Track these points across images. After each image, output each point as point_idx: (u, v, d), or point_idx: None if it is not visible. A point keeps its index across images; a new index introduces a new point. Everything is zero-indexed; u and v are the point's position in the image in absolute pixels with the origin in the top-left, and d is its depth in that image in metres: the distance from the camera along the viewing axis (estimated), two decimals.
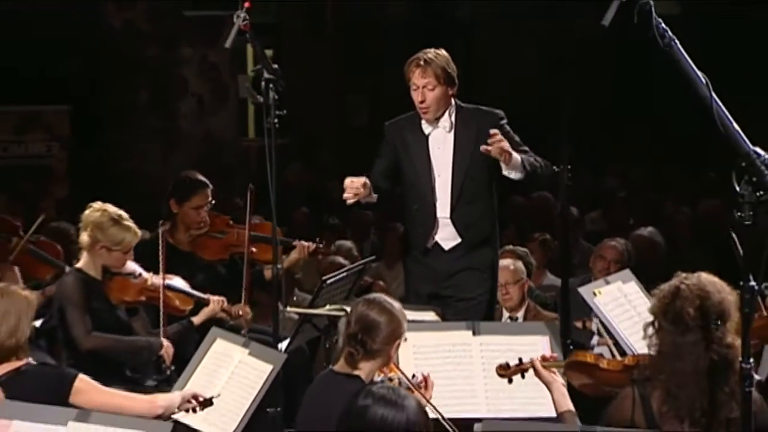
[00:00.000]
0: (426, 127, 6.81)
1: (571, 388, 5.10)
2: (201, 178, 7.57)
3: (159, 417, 5.18)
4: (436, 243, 6.79)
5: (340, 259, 8.78)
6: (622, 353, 5.66)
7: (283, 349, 6.35)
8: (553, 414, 4.96)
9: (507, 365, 5.14)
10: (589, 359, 4.87)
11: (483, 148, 6.48)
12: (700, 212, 10.61)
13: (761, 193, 3.95)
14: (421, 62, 6.68)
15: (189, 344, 6.69)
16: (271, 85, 6.21)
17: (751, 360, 4.02)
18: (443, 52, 6.77)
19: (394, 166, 6.87)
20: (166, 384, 6.46)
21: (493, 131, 6.51)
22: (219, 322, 6.93)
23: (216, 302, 7.10)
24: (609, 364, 4.83)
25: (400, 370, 5.26)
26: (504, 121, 6.74)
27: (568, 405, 4.91)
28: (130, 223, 6.74)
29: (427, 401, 5.02)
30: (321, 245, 7.71)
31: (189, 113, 13.84)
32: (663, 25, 4.16)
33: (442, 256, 6.77)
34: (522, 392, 5.37)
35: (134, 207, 6.95)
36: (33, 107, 13.61)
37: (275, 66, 6.25)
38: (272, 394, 5.83)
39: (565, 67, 9.91)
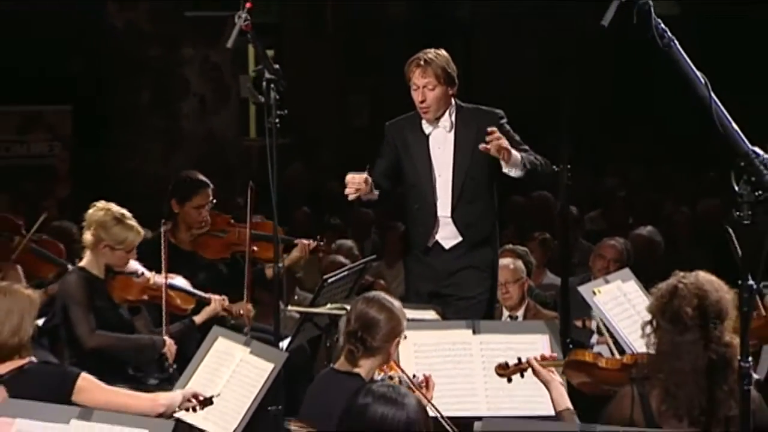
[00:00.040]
0: (426, 127, 6.83)
1: (570, 387, 5.13)
2: (201, 177, 7.58)
3: (161, 415, 5.18)
4: (437, 242, 6.80)
5: (341, 258, 8.79)
6: (622, 352, 5.67)
7: (285, 347, 6.37)
8: (553, 412, 4.99)
9: (506, 365, 5.15)
10: (587, 358, 4.88)
11: (482, 146, 6.49)
12: (700, 212, 10.63)
13: (760, 192, 3.95)
14: (422, 62, 6.70)
15: (191, 343, 6.69)
16: (272, 85, 6.20)
17: (750, 359, 4.02)
18: (443, 52, 6.78)
19: (394, 166, 6.88)
20: (167, 382, 6.47)
21: (490, 129, 6.52)
22: (221, 321, 6.95)
23: (217, 301, 7.11)
24: (608, 363, 4.83)
25: (400, 369, 5.28)
26: (504, 121, 6.76)
27: (566, 404, 4.92)
28: (133, 223, 6.76)
29: (428, 401, 5.03)
30: (322, 243, 7.74)
31: (191, 113, 13.83)
32: (662, 25, 4.17)
33: (442, 255, 6.79)
34: (522, 391, 5.38)
35: (136, 206, 6.96)
36: (35, 107, 13.60)
37: (276, 66, 6.24)
38: (273, 393, 5.80)
39: (565, 67, 9.93)
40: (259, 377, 5.58)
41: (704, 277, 4.58)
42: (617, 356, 5.26)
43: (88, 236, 6.73)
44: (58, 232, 8.41)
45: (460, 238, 6.78)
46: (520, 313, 7.64)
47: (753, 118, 4.89)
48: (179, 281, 7.04)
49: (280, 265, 6.40)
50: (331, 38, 16.42)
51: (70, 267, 7.23)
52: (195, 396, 5.36)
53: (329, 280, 6.60)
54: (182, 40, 13.72)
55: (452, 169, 6.76)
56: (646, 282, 5.72)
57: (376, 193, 6.70)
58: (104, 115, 13.53)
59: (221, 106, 13.97)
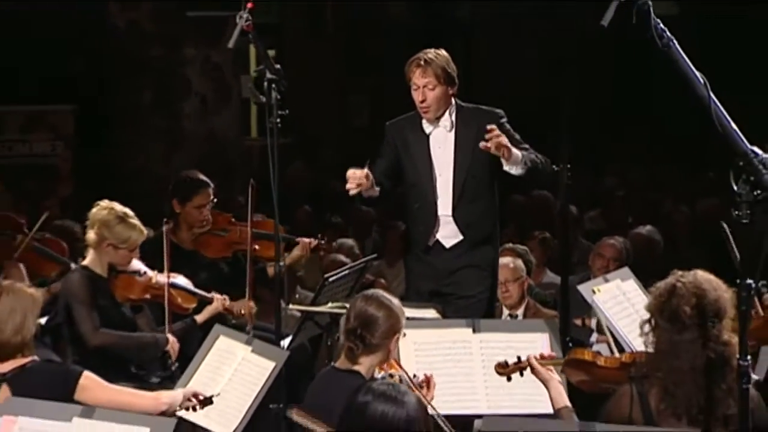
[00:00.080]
0: (427, 127, 6.85)
1: (569, 385, 5.14)
2: (202, 177, 7.59)
3: (163, 414, 5.20)
4: (438, 241, 6.82)
5: (342, 258, 8.80)
6: (621, 350, 5.68)
7: (286, 346, 6.39)
8: (552, 411, 5.01)
9: (505, 363, 5.16)
10: (586, 357, 4.89)
11: (482, 144, 6.51)
12: (698, 211, 10.64)
13: (759, 192, 3.96)
14: (422, 62, 6.71)
15: (192, 342, 6.69)
16: (273, 85, 6.22)
17: (749, 357, 4.03)
18: (443, 52, 6.80)
19: (395, 166, 6.90)
20: (169, 381, 6.48)
21: (490, 127, 6.54)
22: (222, 320, 6.96)
23: (219, 301, 7.13)
24: (606, 361, 4.84)
25: (401, 367, 5.30)
26: (504, 120, 6.77)
27: (565, 402, 4.93)
28: (136, 222, 6.77)
29: (428, 402, 5.04)
30: (323, 242, 7.76)
31: (192, 113, 13.83)
32: (661, 25, 4.17)
33: (443, 254, 6.80)
34: (521, 389, 5.39)
35: (138, 206, 6.96)
36: (38, 107, 13.61)
37: (277, 66, 6.26)
38: (275, 391, 5.82)
39: (565, 67, 9.92)
40: (260, 375, 5.60)
41: (702, 276, 4.59)
42: (617, 355, 5.27)
43: (91, 235, 6.75)
44: (60, 231, 8.41)
45: (460, 237, 6.80)
46: (520, 311, 7.65)
47: (752, 118, 4.90)
48: (181, 280, 7.07)
49: (282, 263, 6.42)
50: (332, 38, 16.42)
51: (72, 265, 7.24)
52: (195, 395, 5.37)
53: (330, 279, 6.61)
54: (184, 40, 13.72)
55: (453, 168, 6.77)
56: (646, 281, 5.73)
57: (377, 189, 6.71)
58: (106, 114, 13.53)
59: (223, 106, 13.97)
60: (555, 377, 5.03)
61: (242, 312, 7.26)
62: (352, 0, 15.72)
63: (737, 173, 4.00)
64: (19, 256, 7.50)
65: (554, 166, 6.42)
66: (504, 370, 5.17)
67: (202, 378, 5.73)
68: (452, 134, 6.82)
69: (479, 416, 5.54)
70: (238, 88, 13.99)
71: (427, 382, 5.30)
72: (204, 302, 7.14)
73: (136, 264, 6.89)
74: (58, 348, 6.92)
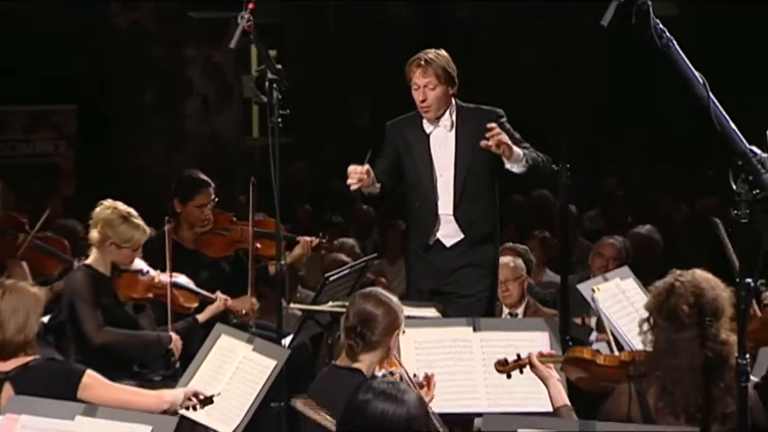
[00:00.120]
0: (427, 127, 6.87)
1: (568, 383, 5.16)
2: (203, 177, 7.60)
3: (165, 412, 5.21)
4: (438, 240, 6.83)
5: (343, 257, 8.81)
6: (621, 349, 5.68)
7: (287, 345, 6.37)
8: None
9: (505, 361, 5.17)
10: (586, 355, 4.90)
11: (483, 143, 6.52)
12: (698, 210, 10.64)
13: (757, 191, 3.98)
14: (422, 62, 6.73)
15: (194, 341, 6.71)
16: (274, 85, 6.24)
17: (747, 356, 4.05)
18: (443, 52, 6.82)
19: (395, 165, 6.91)
20: (171, 379, 6.48)
21: (490, 125, 6.55)
22: (224, 319, 6.98)
23: (220, 300, 7.15)
24: (605, 360, 4.86)
25: (401, 366, 5.32)
26: (504, 119, 6.77)
27: (564, 400, 4.95)
28: (140, 221, 6.78)
29: (428, 401, 5.06)
30: (324, 241, 7.78)
31: (194, 113, 13.82)
32: (661, 25, 4.18)
33: (443, 253, 6.81)
34: (521, 387, 5.41)
35: (140, 205, 6.96)
36: (40, 107, 13.63)
37: (279, 66, 6.28)
38: (276, 390, 5.84)
39: (565, 67, 9.95)
40: (261, 374, 5.61)
41: (701, 275, 4.61)
42: (616, 353, 5.30)
43: (94, 234, 6.76)
44: (63, 230, 8.41)
45: (461, 236, 6.81)
46: (520, 310, 7.66)
47: (751, 117, 4.91)
48: (183, 280, 7.09)
49: (283, 262, 6.44)
50: (333, 39, 16.44)
51: (75, 262, 7.25)
52: (196, 395, 5.39)
53: (331, 278, 6.61)
54: (185, 41, 13.71)
55: (454, 167, 6.79)
56: (645, 280, 5.74)
57: (378, 185, 6.72)
58: (108, 114, 13.54)
59: (224, 106, 13.96)
60: (554, 375, 5.04)
61: (243, 312, 7.28)
62: (353, 0, 15.73)
63: (736, 173, 4.02)
64: (22, 254, 7.50)
65: (554, 166, 6.45)
66: (504, 367, 5.19)
67: (203, 376, 5.75)
68: (452, 134, 6.84)
69: (479, 414, 5.57)
70: (240, 89, 13.99)
71: (428, 381, 5.31)
72: (205, 302, 7.16)
73: (139, 263, 6.90)
74: (61, 346, 6.94)
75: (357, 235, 10.40)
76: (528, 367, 5.12)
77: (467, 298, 6.75)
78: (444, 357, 5.75)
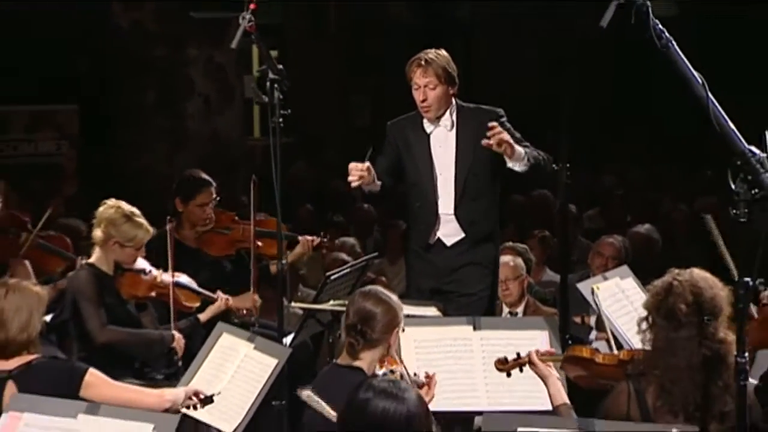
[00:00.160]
0: (428, 126, 6.88)
1: (568, 382, 5.18)
2: (204, 176, 7.61)
3: (167, 410, 5.22)
4: (439, 239, 6.84)
5: (344, 256, 8.83)
6: (620, 348, 5.69)
7: (288, 343, 6.39)
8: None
9: (505, 360, 5.19)
10: (585, 354, 4.91)
11: (484, 141, 6.53)
12: (697, 210, 10.65)
13: (756, 191, 4.00)
14: (422, 62, 6.75)
15: (196, 340, 6.72)
16: (275, 86, 6.26)
17: (746, 354, 4.06)
18: (444, 52, 6.83)
19: (396, 165, 6.92)
20: (174, 378, 6.50)
21: (491, 124, 6.56)
22: (225, 318, 7.00)
23: (222, 300, 7.17)
24: (604, 358, 4.87)
25: (402, 364, 5.34)
26: (504, 119, 6.78)
27: (563, 399, 4.96)
28: (143, 220, 6.80)
29: (428, 402, 5.07)
30: (325, 240, 7.79)
31: (196, 113, 13.83)
32: (660, 26, 4.19)
33: (444, 252, 6.83)
34: (521, 386, 5.42)
35: (141, 205, 6.97)
36: (43, 107, 13.65)
37: (280, 66, 6.30)
38: (277, 388, 5.86)
39: (565, 67, 9.95)
40: (263, 372, 5.62)
41: (699, 274, 4.62)
42: (615, 352, 5.31)
43: (98, 233, 6.78)
44: (65, 229, 8.43)
45: (462, 235, 6.83)
46: (519, 309, 7.68)
47: (751, 117, 4.93)
48: (185, 279, 7.11)
49: (284, 261, 6.46)
50: (334, 39, 16.45)
51: (78, 260, 7.27)
52: (196, 394, 5.41)
53: (332, 277, 6.62)
54: (187, 41, 13.73)
55: (454, 167, 6.80)
56: (644, 279, 5.75)
57: (378, 183, 6.73)
58: (110, 114, 13.56)
59: (226, 106, 13.98)
60: (554, 374, 5.05)
61: (244, 312, 7.30)
62: (353, 0, 15.75)
63: (735, 172, 4.04)
64: (25, 253, 7.50)
65: (554, 165, 6.46)
66: (504, 366, 5.21)
67: (205, 375, 5.76)
68: (453, 133, 6.86)
69: (479, 413, 5.58)
70: (241, 89, 14.00)
71: (429, 380, 5.33)
72: (207, 301, 7.18)
73: (141, 262, 6.92)
74: (63, 345, 6.96)
75: (358, 235, 10.42)
76: (528, 365, 5.13)
77: (468, 297, 6.76)
78: (444, 356, 5.77)
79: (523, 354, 5.15)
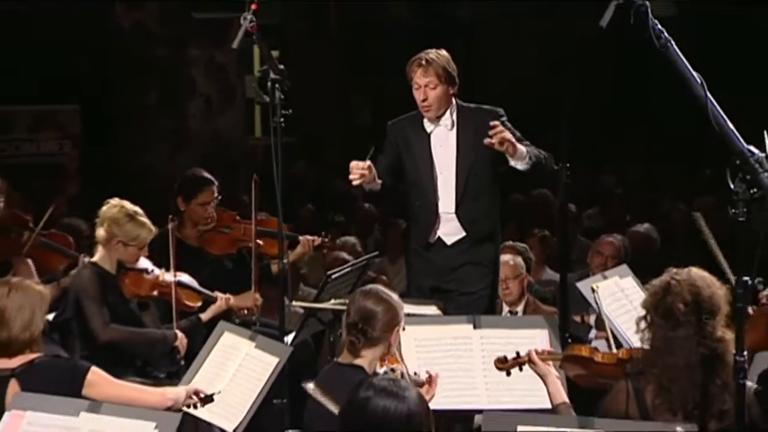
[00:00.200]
0: (428, 126, 6.90)
1: (567, 381, 5.19)
2: (206, 175, 7.62)
3: (169, 409, 5.24)
4: (439, 238, 6.86)
5: (345, 255, 8.85)
6: (619, 346, 5.70)
7: (289, 342, 6.41)
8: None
9: (505, 359, 5.21)
10: (584, 353, 4.92)
11: (486, 140, 6.55)
12: (695, 209, 10.66)
13: (755, 190, 4.02)
14: (423, 62, 6.77)
15: (197, 340, 6.72)
16: (277, 86, 6.28)
17: (745, 353, 4.08)
18: (444, 52, 6.85)
19: (396, 164, 6.94)
20: (176, 376, 6.51)
21: (493, 123, 6.58)
22: (227, 317, 7.01)
23: (223, 300, 7.19)
24: (603, 357, 4.87)
25: (402, 363, 5.36)
26: (504, 119, 6.78)
27: (563, 397, 4.98)
28: (146, 220, 6.81)
29: (428, 400, 5.08)
30: (326, 240, 7.80)
31: (197, 113, 13.86)
32: (659, 26, 4.21)
33: (444, 251, 6.85)
34: (521, 384, 5.42)
35: (143, 204, 6.97)
36: (45, 107, 13.67)
37: (281, 66, 6.33)
38: (278, 386, 5.88)
39: (565, 67, 9.97)
40: (264, 371, 5.64)
41: (697, 273, 4.63)
42: (614, 351, 5.33)
43: (101, 232, 6.80)
44: (67, 228, 8.42)
45: (462, 234, 6.84)
46: (519, 308, 7.69)
47: (750, 117, 4.94)
48: (187, 279, 7.13)
49: (285, 260, 6.47)
50: (334, 39, 16.47)
51: (80, 258, 7.28)
52: (197, 393, 5.42)
53: (333, 276, 6.63)
54: (189, 41, 13.76)
55: (455, 166, 6.82)
56: (643, 278, 5.77)
57: (379, 182, 6.75)
58: (112, 114, 13.58)
59: (227, 106, 14.00)
60: (553, 372, 5.06)
61: (245, 311, 7.31)
62: (354, 1, 15.76)
63: (734, 172, 4.05)
64: (27, 252, 7.49)
65: (554, 163, 6.48)
66: (503, 365, 5.22)
67: (206, 373, 5.77)
68: (453, 133, 6.88)
69: (479, 411, 5.60)
70: (243, 89, 14.02)
71: (430, 380, 5.35)
72: (208, 301, 7.20)
73: (144, 262, 6.94)
74: (66, 344, 6.97)
75: (358, 234, 10.44)
76: (527, 364, 5.14)
77: (468, 295, 6.78)
78: (444, 354, 5.78)
79: (522, 353, 5.16)
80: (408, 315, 5.43)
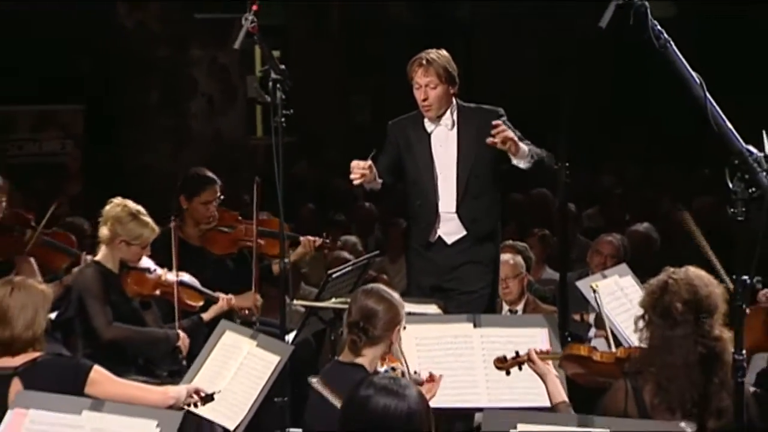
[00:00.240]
0: (428, 126, 6.92)
1: (567, 379, 5.22)
2: (210, 174, 7.63)
3: (170, 407, 5.26)
4: (440, 237, 6.89)
5: (345, 254, 8.87)
6: (619, 345, 5.72)
7: (290, 340, 6.43)
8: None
9: (504, 358, 5.23)
10: (582, 352, 4.94)
11: (489, 140, 6.57)
12: (694, 209, 10.67)
13: (753, 189, 4.02)
14: (424, 62, 6.79)
15: (198, 339, 6.74)
16: (278, 86, 6.30)
17: (744, 352, 4.09)
18: (444, 52, 6.88)
19: (396, 163, 6.96)
20: (177, 375, 6.50)
21: (496, 122, 6.60)
22: (228, 317, 7.02)
23: (224, 300, 7.21)
24: (602, 356, 4.89)
25: (403, 362, 5.38)
26: (504, 118, 6.80)
27: (562, 396, 5.00)
28: (149, 219, 6.84)
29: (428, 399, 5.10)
30: (327, 241, 7.81)
31: (199, 113, 13.88)
32: (658, 26, 4.21)
33: (445, 250, 6.87)
34: (522, 382, 5.44)
35: (145, 204, 7.00)
36: (48, 106, 13.69)
37: (282, 67, 6.36)
38: (280, 385, 5.91)
39: (565, 67, 9.98)
40: (265, 369, 5.65)
41: (694, 272, 4.64)
42: (613, 349, 5.34)
43: (104, 231, 6.82)
44: (70, 227, 8.42)
45: (463, 233, 6.86)
46: (519, 307, 7.70)
47: (750, 117, 4.96)
48: (189, 279, 7.15)
49: (286, 260, 6.49)
50: (335, 39, 16.47)
51: (83, 256, 7.29)
52: (197, 392, 5.44)
53: (334, 275, 6.63)
54: (191, 41, 13.78)
55: (456, 165, 6.84)
56: (643, 277, 5.77)
57: (380, 181, 6.77)
58: (114, 114, 13.60)
59: (229, 106, 14.02)
60: (553, 372, 5.08)
61: (246, 312, 7.33)
62: (354, 1, 15.77)
63: (733, 171, 4.06)
64: (30, 250, 7.49)
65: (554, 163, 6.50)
66: (503, 364, 5.24)
67: (208, 372, 5.79)
68: (454, 132, 6.90)
69: (480, 409, 5.62)
70: (244, 89, 14.02)
71: (431, 378, 5.37)
72: (210, 301, 7.22)
73: (146, 261, 6.96)
74: (68, 342, 6.98)
75: (359, 233, 10.46)
76: (526, 363, 5.16)
77: (468, 294, 6.80)
78: (445, 353, 5.80)
79: (522, 352, 5.18)
80: (408, 314, 5.44)
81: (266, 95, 6.34)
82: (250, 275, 7.29)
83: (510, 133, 6.57)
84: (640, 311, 4.69)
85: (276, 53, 6.99)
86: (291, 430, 6.26)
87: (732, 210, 4.05)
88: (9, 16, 12.56)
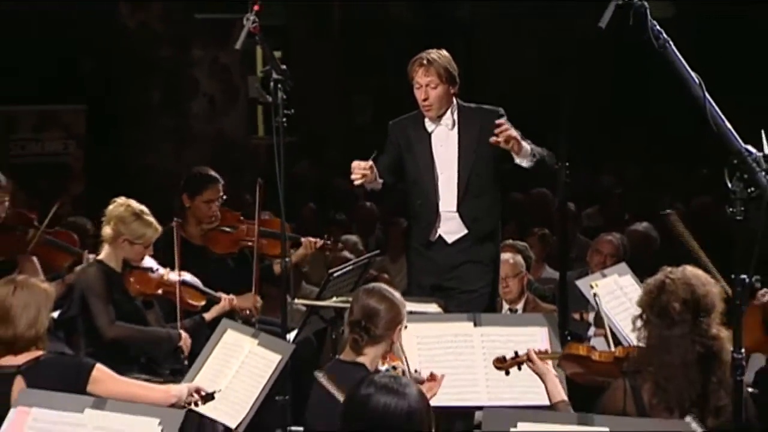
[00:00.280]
0: (429, 125, 6.94)
1: (567, 379, 5.23)
2: (212, 173, 7.64)
3: (172, 405, 5.27)
4: (440, 236, 6.90)
5: (346, 253, 8.88)
6: (618, 344, 5.74)
7: (292, 339, 6.45)
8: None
9: (503, 358, 5.24)
10: (581, 351, 4.95)
11: (492, 139, 6.59)
12: (693, 208, 10.69)
13: (752, 189, 4.04)
14: (424, 61, 6.81)
15: (200, 339, 6.74)
16: (279, 86, 6.31)
17: (743, 351, 4.10)
18: (445, 52, 6.89)
19: (397, 163, 6.97)
20: (179, 373, 6.53)
21: (499, 121, 6.62)
22: (229, 317, 7.03)
23: (226, 300, 7.23)
24: (601, 356, 4.90)
25: (404, 361, 5.40)
26: (504, 118, 6.81)
27: (561, 396, 5.01)
28: (152, 219, 6.85)
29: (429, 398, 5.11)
30: (328, 242, 7.82)
31: (200, 113, 13.88)
32: (658, 27, 4.23)
33: (445, 249, 6.88)
34: (522, 381, 5.45)
35: (147, 203, 7.01)
36: (50, 106, 13.70)
37: (283, 67, 6.37)
38: (281, 383, 5.92)
39: (565, 67, 9.98)
40: (267, 368, 5.67)
41: (691, 271, 4.66)
42: (612, 349, 5.35)
43: (107, 230, 6.84)
44: (73, 227, 8.43)
45: (464, 232, 6.87)
46: (519, 306, 7.71)
47: (750, 117, 4.97)
48: (191, 278, 7.16)
49: (288, 259, 6.50)
50: (336, 40, 16.48)
51: (85, 254, 7.30)
52: (198, 391, 5.45)
53: (335, 274, 6.64)
54: (192, 42, 13.78)
55: (457, 165, 6.86)
56: (642, 276, 5.76)
57: (380, 181, 6.79)
58: (116, 114, 13.60)
59: (230, 106, 14.02)
60: (552, 371, 5.09)
61: (247, 312, 7.34)
62: (355, 1, 15.77)
63: (732, 171, 4.07)
64: (32, 249, 7.49)
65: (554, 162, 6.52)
66: (502, 364, 5.25)
67: (210, 370, 5.80)
68: (454, 132, 6.92)
69: (480, 408, 5.63)
70: (246, 89, 14.03)
71: (432, 378, 5.39)
72: (212, 301, 7.24)
73: (148, 261, 6.98)
74: (71, 341, 6.99)
75: (360, 233, 10.48)
76: (526, 363, 5.17)
77: (468, 293, 6.81)
78: (445, 352, 5.81)
79: (521, 352, 5.19)
80: (409, 313, 5.44)
81: (267, 95, 6.35)
82: (251, 275, 7.30)
83: (513, 132, 6.58)
84: (638, 311, 4.69)
85: (277, 53, 7.01)
86: (292, 428, 6.26)
87: (731, 209, 4.06)
88: (10, 16, 12.56)
